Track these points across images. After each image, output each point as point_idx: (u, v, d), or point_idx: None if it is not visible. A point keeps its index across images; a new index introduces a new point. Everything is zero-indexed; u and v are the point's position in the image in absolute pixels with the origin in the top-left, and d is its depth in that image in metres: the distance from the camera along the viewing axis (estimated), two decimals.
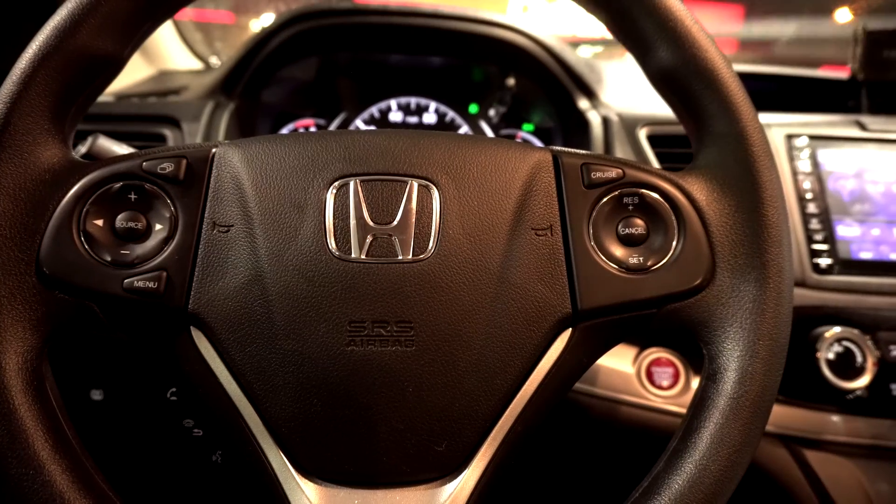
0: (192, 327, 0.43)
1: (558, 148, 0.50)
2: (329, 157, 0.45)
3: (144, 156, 0.46)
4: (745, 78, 1.19)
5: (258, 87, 0.94)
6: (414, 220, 0.43)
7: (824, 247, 0.74)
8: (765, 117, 0.83)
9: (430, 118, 1.01)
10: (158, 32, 0.63)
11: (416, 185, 0.44)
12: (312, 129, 1.01)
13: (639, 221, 0.47)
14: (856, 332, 0.69)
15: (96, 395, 0.80)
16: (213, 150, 0.47)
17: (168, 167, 0.45)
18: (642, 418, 0.75)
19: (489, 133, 1.01)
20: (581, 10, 0.52)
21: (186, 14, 1.39)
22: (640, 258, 0.45)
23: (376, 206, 0.44)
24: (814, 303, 0.72)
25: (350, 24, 0.89)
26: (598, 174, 0.47)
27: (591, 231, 0.45)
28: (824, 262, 0.73)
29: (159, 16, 0.48)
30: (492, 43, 0.90)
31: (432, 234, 0.43)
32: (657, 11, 0.46)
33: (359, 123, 1.00)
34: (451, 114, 1.01)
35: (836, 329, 0.69)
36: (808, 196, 0.77)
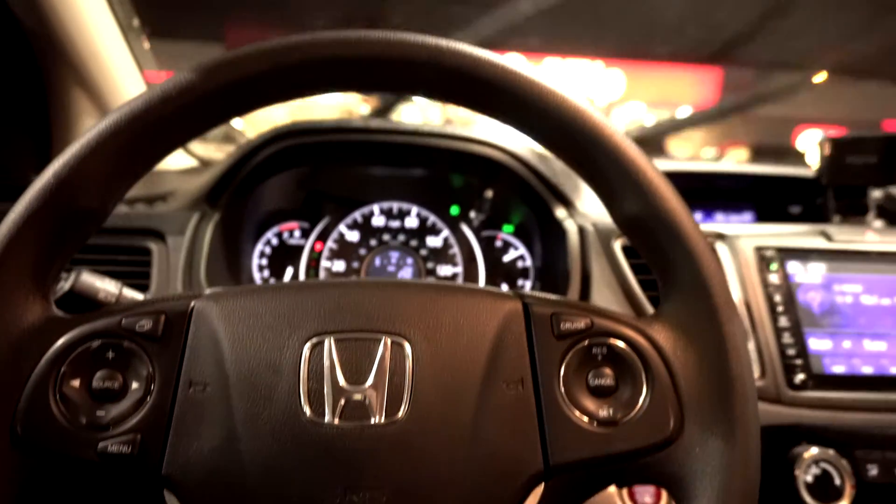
0: (165, 490, 0.43)
1: (529, 294, 0.51)
2: (304, 314, 0.46)
3: (123, 312, 0.47)
4: (720, 177, 1.23)
5: (243, 197, 0.96)
6: (387, 379, 0.44)
7: (798, 361, 0.75)
8: (734, 229, 0.85)
9: (411, 222, 1.03)
10: None
11: (389, 341, 0.45)
12: (297, 232, 1.03)
13: (608, 371, 0.48)
14: (832, 452, 0.69)
15: None
16: (192, 303, 0.48)
17: (146, 325, 0.46)
18: None
19: (470, 235, 1.03)
20: (556, 156, 0.54)
21: None
22: (611, 410, 0.46)
23: (350, 365, 0.44)
24: (790, 421, 0.73)
25: (334, 142, 0.93)
26: (568, 324, 0.48)
27: (561, 383, 0.46)
28: (798, 377, 0.75)
29: (142, 171, 0.50)
30: (470, 157, 0.93)
31: (405, 393, 0.44)
32: (622, 163, 0.48)
33: (342, 228, 1.02)
34: (432, 217, 1.03)
35: (814, 450, 0.69)
36: (780, 309, 0.78)
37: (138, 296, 0.66)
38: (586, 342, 0.48)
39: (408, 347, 0.45)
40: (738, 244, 0.83)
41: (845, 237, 0.84)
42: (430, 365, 0.45)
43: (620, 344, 0.48)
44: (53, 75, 0.89)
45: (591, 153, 0.49)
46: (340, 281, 0.52)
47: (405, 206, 1.03)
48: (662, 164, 1.17)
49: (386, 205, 1.03)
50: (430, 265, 1.02)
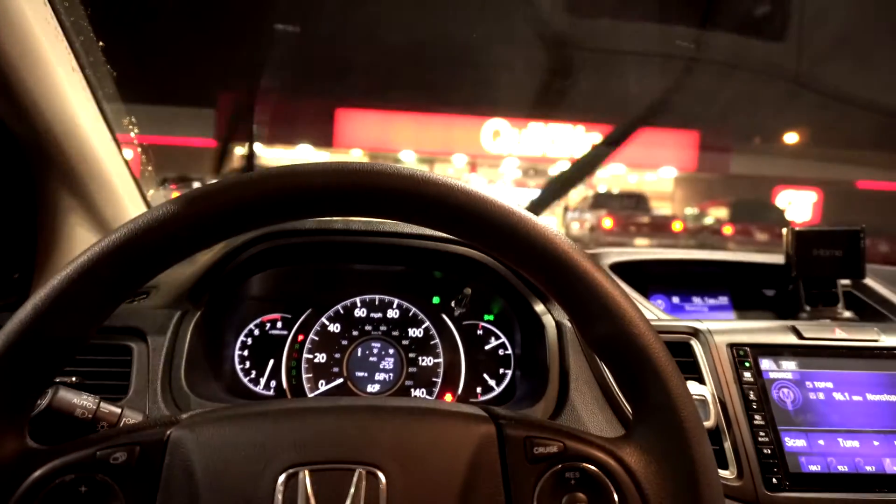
0: None
1: (503, 414, 0.52)
2: (279, 443, 0.47)
3: (98, 444, 0.47)
4: (693, 264, 1.25)
5: (225, 294, 0.97)
6: None
7: (775, 460, 0.76)
8: (707, 325, 0.87)
9: (393, 313, 1.04)
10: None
11: (363, 472, 0.46)
12: (279, 323, 1.04)
13: (581, 496, 0.48)
14: None
15: None
16: (169, 432, 0.48)
17: (121, 457, 0.46)
18: None
19: (451, 325, 1.04)
20: (532, 279, 0.55)
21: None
22: None
23: (324, 497, 0.45)
24: None
25: (314, 243, 0.95)
26: (541, 449, 0.49)
27: None
28: (776, 477, 0.75)
29: (124, 297, 0.51)
30: (450, 255, 0.96)
31: None
32: (592, 288, 0.50)
33: (324, 320, 1.03)
34: (413, 308, 1.05)
35: None
36: (755, 406, 0.80)
37: (116, 410, 0.66)
38: (559, 466, 0.49)
39: (382, 478, 0.46)
40: (712, 340, 0.85)
41: (815, 333, 0.86)
42: (405, 495, 0.45)
43: (593, 468, 0.49)
44: (45, 183, 0.91)
45: (562, 278, 0.51)
46: (316, 405, 0.53)
47: (387, 297, 1.05)
48: (642, 253, 1.21)
49: (368, 297, 1.05)
50: (411, 355, 1.03)
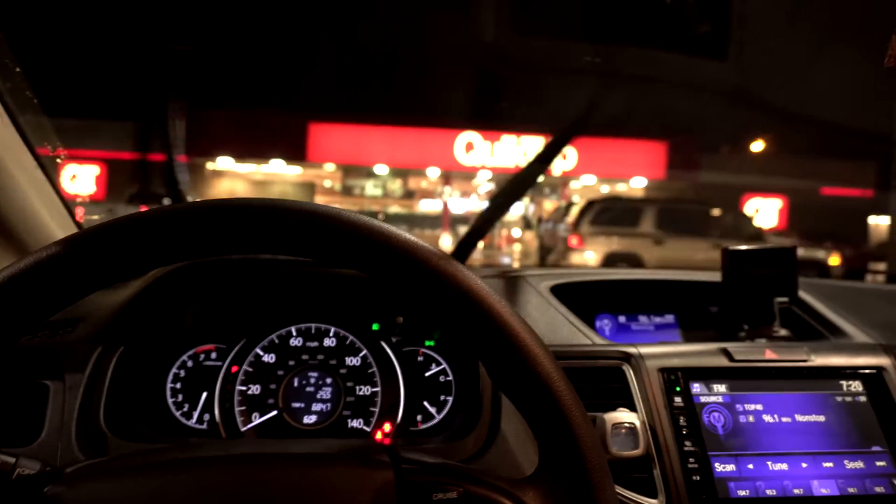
0: None
1: (406, 456, 0.51)
2: (165, 501, 0.45)
3: None
4: (637, 284, 1.25)
5: (150, 328, 0.94)
6: None
7: (704, 487, 0.76)
8: (640, 350, 0.87)
9: (329, 342, 1.02)
10: None
11: None
12: (213, 354, 1.01)
13: None
14: None
15: None
16: (47, 488, 0.46)
17: None
18: None
19: (390, 352, 1.03)
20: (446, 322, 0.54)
21: None
22: None
23: None
24: None
25: (247, 271, 0.93)
26: (440, 495, 0.48)
27: None
28: None
29: (10, 341, 0.48)
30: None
31: None
32: (500, 330, 0.49)
33: (258, 350, 1.00)
34: (350, 337, 1.03)
35: None
36: (685, 432, 0.79)
37: (9, 459, 0.63)
38: None
39: None
40: (643, 366, 0.84)
41: (746, 356, 0.86)
42: None
43: None
44: None
45: (465, 314, 0.50)
46: (211, 454, 0.51)
47: (323, 326, 1.03)
48: (584, 275, 1.20)
49: (303, 326, 1.03)
50: (349, 384, 1.01)
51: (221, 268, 0.95)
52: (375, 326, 1.05)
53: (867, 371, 0.87)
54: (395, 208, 22.79)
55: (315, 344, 1.02)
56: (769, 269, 1.01)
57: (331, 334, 1.03)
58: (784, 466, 0.79)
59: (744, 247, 1.02)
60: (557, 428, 0.48)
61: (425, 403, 1.01)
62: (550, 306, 1.02)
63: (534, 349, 0.49)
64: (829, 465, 0.79)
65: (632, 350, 0.86)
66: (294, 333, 1.02)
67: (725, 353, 0.87)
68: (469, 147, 17.52)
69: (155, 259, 0.47)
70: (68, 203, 1.12)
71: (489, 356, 0.51)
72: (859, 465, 0.80)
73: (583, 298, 1.20)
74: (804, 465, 0.79)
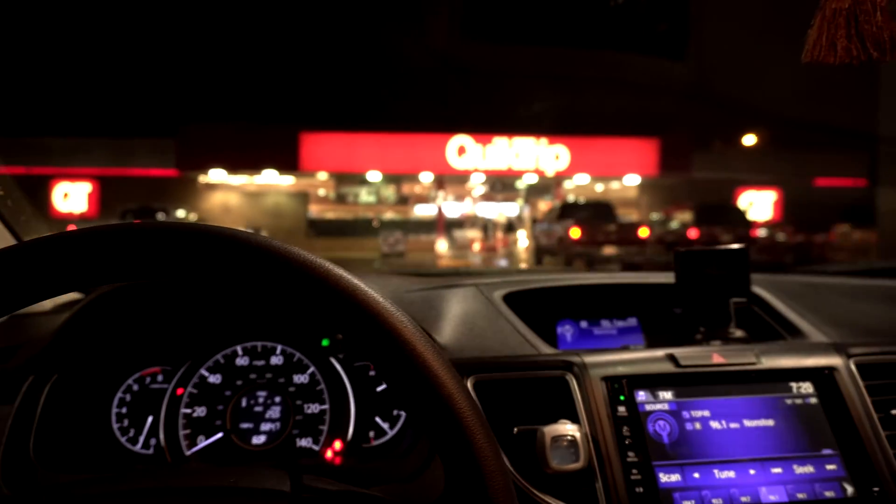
0: None
1: (306, 486, 0.49)
2: None
3: None
4: (596, 289, 1.22)
5: (87, 354, 0.92)
6: None
7: (647, 499, 0.74)
8: (584, 358, 0.85)
9: (277, 360, 1.00)
10: None
11: None
12: (160, 376, 0.99)
13: None
14: None
15: None
16: None
17: None
18: None
19: (339, 368, 1.01)
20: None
21: None
22: None
23: None
24: None
25: (180, 294, 0.91)
26: None
27: None
28: None
29: None
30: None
31: None
32: (402, 349, 0.47)
33: (203, 371, 0.98)
34: (297, 355, 1.01)
35: None
36: (628, 442, 0.77)
37: None
38: None
39: None
40: (586, 375, 0.82)
41: (692, 361, 0.84)
42: None
43: None
44: None
45: (362, 330, 0.48)
46: (108, 489, 0.49)
47: (269, 344, 1.01)
48: (537, 282, 1.18)
49: (249, 344, 1.01)
50: (298, 402, 0.99)
51: (164, 287, 0.93)
52: (325, 342, 1.03)
53: (817, 372, 0.85)
54: (389, 214, 22.77)
55: (262, 362, 1.00)
56: (721, 269, 0.99)
57: (278, 352, 1.01)
58: (731, 474, 0.76)
59: (695, 248, 1.00)
60: (460, 450, 0.46)
61: (377, 419, 0.99)
62: (501, 316, 1.00)
63: (436, 369, 0.47)
64: (778, 470, 0.77)
65: (575, 359, 0.84)
66: (240, 352, 1.00)
67: (672, 358, 0.85)
68: (461, 150, 17.54)
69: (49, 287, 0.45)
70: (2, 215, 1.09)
71: (389, 373, 0.49)
72: (809, 469, 0.78)
73: (543, 305, 1.18)
74: (752, 471, 0.77)
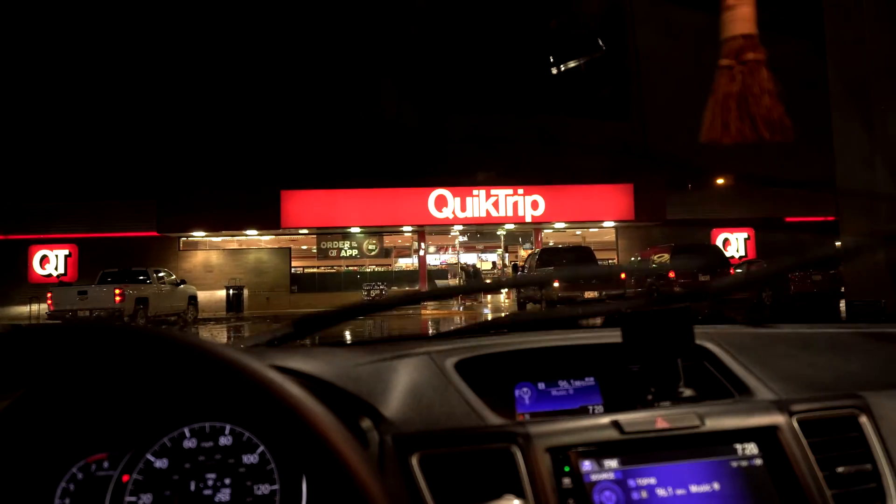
0: None
1: None
2: None
3: None
4: (542, 352, 1.22)
5: (30, 443, 0.90)
6: None
7: None
8: (529, 429, 0.84)
9: (226, 440, 0.99)
10: None
11: None
12: (106, 463, 0.97)
13: None
14: None
15: None
16: None
17: None
18: None
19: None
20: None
21: None
22: None
23: None
24: None
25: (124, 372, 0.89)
26: None
27: None
28: None
29: None
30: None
31: None
32: (321, 445, 0.47)
33: (148, 456, 0.96)
34: (247, 434, 0.99)
35: None
36: None
37: None
38: None
39: None
40: (530, 446, 0.82)
41: (636, 427, 0.84)
42: None
43: None
44: None
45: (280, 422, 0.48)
46: None
47: (218, 424, 0.99)
48: (491, 347, 1.18)
49: (197, 425, 0.99)
50: (248, 483, 0.97)
51: (106, 371, 0.91)
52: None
53: (761, 432, 0.85)
54: (372, 267, 22.78)
55: (210, 444, 0.98)
56: (664, 329, 1.00)
57: (226, 432, 0.99)
58: None
59: (640, 309, 1.02)
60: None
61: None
62: (450, 385, 1.00)
63: (354, 463, 0.48)
64: None
65: (519, 430, 0.84)
66: (187, 434, 0.98)
67: (616, 425, 0.85)
68: (441, 202, 17.76)
69: None
70: None
71: (305, 462, 0.49)
72: None
73: (499, 368, 1.18)
74: None
